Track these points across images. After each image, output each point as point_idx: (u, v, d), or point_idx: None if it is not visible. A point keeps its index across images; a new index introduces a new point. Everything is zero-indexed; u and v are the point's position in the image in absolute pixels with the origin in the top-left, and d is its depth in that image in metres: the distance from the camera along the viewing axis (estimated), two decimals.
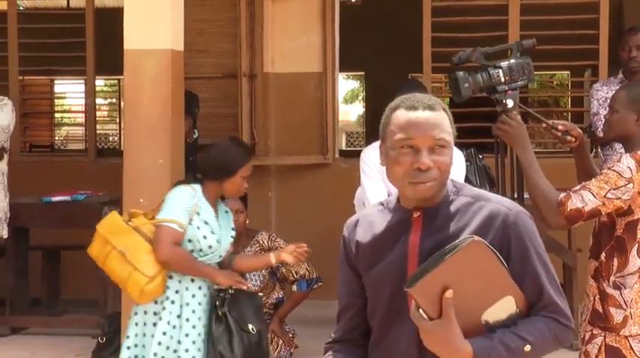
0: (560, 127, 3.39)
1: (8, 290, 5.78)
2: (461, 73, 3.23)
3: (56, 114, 12.51)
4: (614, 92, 3.49)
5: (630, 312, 3.15)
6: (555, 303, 2.11)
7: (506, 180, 3.62)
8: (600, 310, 3.20)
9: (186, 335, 3.82)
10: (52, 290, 6.23)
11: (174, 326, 3.82)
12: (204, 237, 3.86)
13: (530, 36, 3.66)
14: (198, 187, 3.91)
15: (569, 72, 13.29)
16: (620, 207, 3.11)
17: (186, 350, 3.80)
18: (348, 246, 2.32)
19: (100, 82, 16.31)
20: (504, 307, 2.06)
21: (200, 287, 3.90)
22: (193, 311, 3.85)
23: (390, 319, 2.18)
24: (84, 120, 8.33)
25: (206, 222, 3.86)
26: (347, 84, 24.25)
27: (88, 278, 6.09)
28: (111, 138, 17.90)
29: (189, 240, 3.85)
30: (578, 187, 3.12)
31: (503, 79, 3.31)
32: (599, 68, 6.58)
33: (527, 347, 2.04)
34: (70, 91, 13.85)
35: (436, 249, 2.04)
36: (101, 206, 5.63)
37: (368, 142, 8.65)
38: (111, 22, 6.09)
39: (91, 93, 7.60)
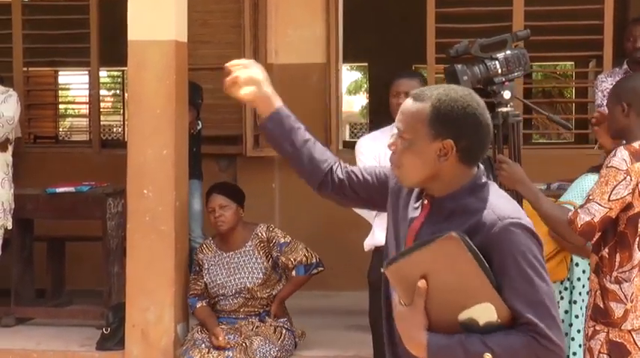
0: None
1: (13, 281, 5.79)
2: (459, 66, 3.23)
3: (60, 106, 12.48)
4: None
5: (631, 306, 3.14)
6: (532, 322, 1.99)
7: None
8: (601, 305, 3.19)
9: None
10: (56, 281, 6.24)
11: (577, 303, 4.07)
12: None
13: (535, 26, 3.66)
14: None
15: (573, 62, 13.23)
16: (628, 203, 3.10)
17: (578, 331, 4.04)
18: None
19: (103, 73, 16.30)
20: (483, 313, 1.99)
21: (584, 270, 4.05)
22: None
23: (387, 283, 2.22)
24: (88, 111, 8.32)
25: None
26: (351, 75, 24.23)
27: (92, 269, 6.11)
28: (115, 130, 17.89)
29: None
30: (583, 201, 3.13)
31: (500, 71, 3.31)
32: (604, 59, 6.56)
33: (488, 356, 1.97)
34: (74, 82, 13.83)
35: None
36: (105, 197, 5.65)
37: None
38: (115, 13, 6.08)
39: (95, 85, 7.60)
